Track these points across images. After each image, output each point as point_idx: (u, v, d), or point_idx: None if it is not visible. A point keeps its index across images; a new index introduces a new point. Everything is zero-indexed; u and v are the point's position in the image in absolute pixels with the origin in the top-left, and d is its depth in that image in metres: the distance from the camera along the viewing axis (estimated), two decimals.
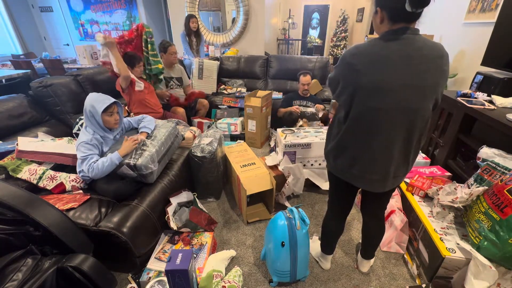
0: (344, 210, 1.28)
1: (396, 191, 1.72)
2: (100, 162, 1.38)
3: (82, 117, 1.95)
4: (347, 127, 0.97)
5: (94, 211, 1.33)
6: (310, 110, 2.60)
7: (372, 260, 1.45)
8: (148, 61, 2.33)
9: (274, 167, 2.03)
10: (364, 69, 0.87)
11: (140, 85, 2.16)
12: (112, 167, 1.41)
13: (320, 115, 2.59)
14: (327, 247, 1.41)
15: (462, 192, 1.32)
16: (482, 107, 1.56)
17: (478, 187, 1.31)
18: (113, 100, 1.49)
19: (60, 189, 1.50)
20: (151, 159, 1.48)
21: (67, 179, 1.53)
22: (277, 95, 3.27)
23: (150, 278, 1.28)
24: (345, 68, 0.92)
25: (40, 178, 1.48)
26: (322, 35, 8.42)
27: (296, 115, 2.56)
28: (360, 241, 1.57)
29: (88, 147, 1.42)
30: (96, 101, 1.45)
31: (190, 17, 3.41)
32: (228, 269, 1.44)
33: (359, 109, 0.91)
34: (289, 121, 2.58)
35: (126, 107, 2.25)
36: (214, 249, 1.55)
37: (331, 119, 1.18)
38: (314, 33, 8.54)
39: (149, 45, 2.29)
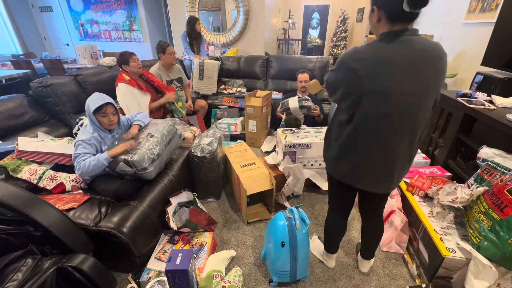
0: (345, 210, 1.29)
1: (396, 191, 1.72)
2: (87, 161, 1.36)
3: (82, 117, 1.96)
4: (351, 131, 0.96)
5: (94, 211, 1.33)
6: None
7: (372, 260, 1.45)
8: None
9: (274, 167, 2.03)
10: (369, 74, 0.86)
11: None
12: (99, 167, 1.38)
13: (315, 113, 2.56)
14: (331, 246, 1.41)
15: (462, 192, 1.32)
16: (482, 107, 1.56)
17: (478, 187, 1.31)
18: (106, 101, 1.46)
19: (60, 189, 1.50)
20: (149, 154, 1.47)
21: (67, 179, 1.53)
22: (277, 95, 3.27)
23: (150, 278, 1.28)
24: (348, 73, 0.90)
25: (40, 178, 1.48)
26: (322, 35, 8.42)
27: (301, 120, 2.54)
28: (360, 241, 1.58)
29: (84, 145, 1.41)
30: (91, 100, 1.46)
31: (196, 20, 3.39)
32: (228, 269, 1.44)
33: (364, 114, 0.91)
34: (294, 126, 2.57)
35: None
36: (214, 249, 1.55)
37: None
38: (314, 33, 8.54)
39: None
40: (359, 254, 1.46)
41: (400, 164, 0.99)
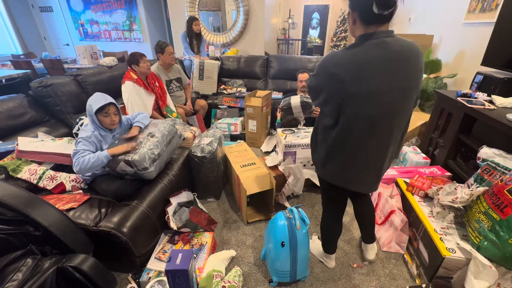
0: (339, 211, 1.30)
1: (396, 191, 1.72)
2: (86, 158, 1.36)
3: (82, 117, 1.96)
4: (337, 134, 0.97)
5: (94, 211, 1.33)
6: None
7: (375, 246, 1.50)
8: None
9: (274, 167, 2.03)
10: (350, 78, 0.86)
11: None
12: (98, 165, 1.38)
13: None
14: (329, 247, 1.42)
15: (462, 192, 1.32)
16: (482, 107, 1.56)
17: (478, 187, 1.31)
18: (108, 101, 1.47)
19: (60, 189, 1.50)
20: (149, 154, 1.47)
21: (67, 179, 1.53)
22: (277, 95, 3.27)
23: (150, 278, 1.28)
24: (329, 78, 0.91)
25: (40, 178, 1.48)
26: (322, 35, 8.42)
27: (300, 121, 2.54)
28: (360, 240, 1.58)
29: (84, 143, 1.41)
30: (93, 100, 1.46)
31: (193, 20, 3.38)
32: (228, 269, 1.44)
33: (349, 117, 0.92)
34: (292, 125, 2.57)
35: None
36: (214, 249, 1.55)
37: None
38: (314, 33, 8.53)
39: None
40: (362, 243, 1.51)
41: (387, 162, 1.03)
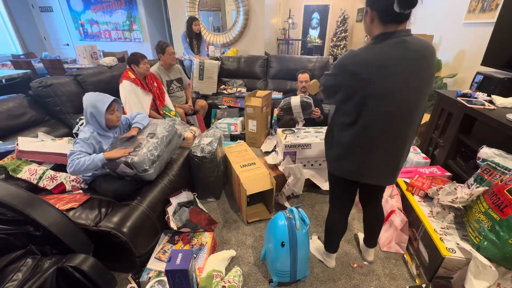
0: (347, 207, 1.31)
1: (396, 191, 1.72)
2: (82, 160, 1.34)
3: (82, 117, 1.95)
4: (357, 132, 0.99)
5: (94, 211, 1.33)
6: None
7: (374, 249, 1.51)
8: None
9: (274, 167, 2.03)
10: (371, 77, 0.89)
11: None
12: (92, 168, 1.37)
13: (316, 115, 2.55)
14: (332, 246, 1.42)
15: (462, 192, 1.32)
16: (482, 107, 1.56)
17: (478, 187, 1.31)
18: (112, 98, 1.50)
19: (60, 189, 1.50)
20: (149, 155, 1.47)
21: (67, 179, 1.53)
22: (277, 95, 3.27)
23: (150, 278, 1.28)
24: (349, 77, 0.93)
25: (40, 178, 1.48)
26: (322, 35, 8.42)
27: (296, 120, 2.54)
28: (360, 240, 1.58)
29: (81, 144, 1.41)
30: (96, 100, 1.45)
31: (192, 20, 3.38)
32: (228, 269, 1.44)
33: (370, 115, 0.94)
34: (289, 125, 2.57)
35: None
36: (214, 249, 1.55)
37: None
38: (314, 33, 8.54)
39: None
40: (363, 245, 1.52)
41: (404, 157, 1.06)
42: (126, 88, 2.16)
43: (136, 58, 2.18)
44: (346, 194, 1.27)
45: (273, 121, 2.76)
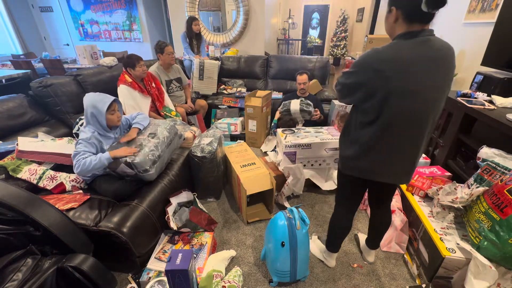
0: (354, 206, 1.31)
1: (396, 191, 1.72)
2: (88, 159, 1.35)
3: (82, 117, 1.95)
4: (376, 130, 0.98)
5: (94, 211, 1.33)
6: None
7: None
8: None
9: (274, 167, 2.03)
10: (394, 75, 0.89)
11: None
12: (100, 166, 1.38)
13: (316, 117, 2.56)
14: (334, 245, 1.41)
15: (462, 192, 1.32)
16: (482, 107, 1.56)
17: (478, 187, 1.31)
18: (112, 98, 1.50)
19: (60, 189, 1.50)
20: (150, 156, 1.47)
21: (67, 179, 1.53)
22: (277, 95, 3.27)
23: (150, 278, 1.28)
24: (372, 74, 0.92)
25: (40, 178, 1.48)
26: (322, 35, 8.43)
27: (296, 121, 2.55)
28: (360, 240, 1.58)
29: (85, 144, 1.41)
30: (97, 101, 1.45)
31: (192, 20, 3.38)
32: (228, 269, 1.44)
33: (391, 113, 0.94)
34: (289, 126, 2.57)
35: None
36: (214, 249, 1.56)
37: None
38: (314, 33, 8.55)
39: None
40: (364, 245, 1.50)
41: (420, 155, 1.06)
42: (123, 93, 2.14)
43: (132, 61, 2.13)
44: (356, 194, 1.26)
45: (273, 123, 2.76)
